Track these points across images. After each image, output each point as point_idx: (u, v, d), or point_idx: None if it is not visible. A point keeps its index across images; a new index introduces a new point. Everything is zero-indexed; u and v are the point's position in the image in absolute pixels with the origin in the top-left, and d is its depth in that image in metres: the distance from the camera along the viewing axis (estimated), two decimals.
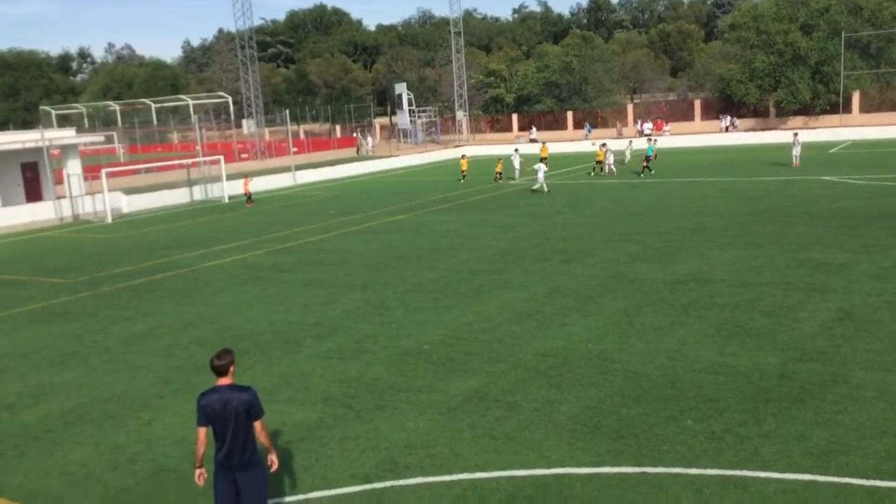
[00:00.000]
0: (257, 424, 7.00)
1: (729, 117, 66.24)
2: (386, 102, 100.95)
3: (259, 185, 46.31)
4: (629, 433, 9.61)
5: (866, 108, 63.15)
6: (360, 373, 12.49)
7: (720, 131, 63.69)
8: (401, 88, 75.50)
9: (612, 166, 41.63)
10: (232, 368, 7.03)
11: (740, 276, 17.00)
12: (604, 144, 43.57)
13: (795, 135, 39.68)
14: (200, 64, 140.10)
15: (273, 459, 7.26)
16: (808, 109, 63.64)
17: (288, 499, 8.59)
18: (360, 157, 59.16)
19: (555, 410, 10.45)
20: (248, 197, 39.06)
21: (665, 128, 67.30)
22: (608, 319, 14.48)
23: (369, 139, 70.55)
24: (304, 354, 13.66)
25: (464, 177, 43.25)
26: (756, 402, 10.22)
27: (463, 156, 45.80)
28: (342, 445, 9.83)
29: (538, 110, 78.20)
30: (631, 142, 50.26)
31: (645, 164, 40.04)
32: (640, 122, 68.01)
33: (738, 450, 8.96)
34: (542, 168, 35.72)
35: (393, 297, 17.33)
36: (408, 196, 37.38)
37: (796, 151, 38.55)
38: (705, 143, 59.33)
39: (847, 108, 62.67)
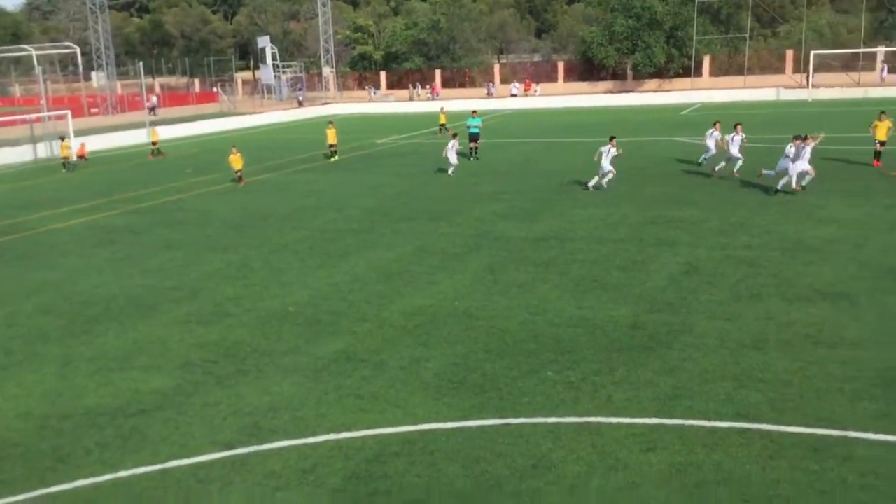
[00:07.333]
0: None
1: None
2: (248, 56, 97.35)
3: (110, 141, 43.73)
4: (493, 387, 9.85)
5: (716, 72, 66.78)
6: (222, 337, 12.13)
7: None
8: (264, 42, 72.92)
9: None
10: None
11: (598, 233, 17.68)
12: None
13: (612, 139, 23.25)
14: (45, 12, 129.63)
15: None
16: (662, 73, 66.57)
17: (145, 469, 8.27)
18: (154, 120, 54.22)
19: (421, 368, 10.56)
20: (66, 161, 34.89)
21: (535, 88, 68.60)
22: (474, 277, 14.72)
23: (154, 98, 66.24)
24: (161, 319, 13.11)
25: (443, 128, 40.87)
26: (610, 353, 10.72)
27: (442, 109, 42.47)
28: (202, 412, 9.54)
29: (407, 68, 77.75)
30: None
31: (472, 145, 31.32)
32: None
33: (593, 397, 9.39)
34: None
35: (257, 259, 16.88)
36: (272, 154, 36.36)
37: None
38: (568, 104, 61.02)
39: (698, 72, 66.01)
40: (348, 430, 8.89)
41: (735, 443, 8.18)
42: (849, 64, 61.62)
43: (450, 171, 27.34)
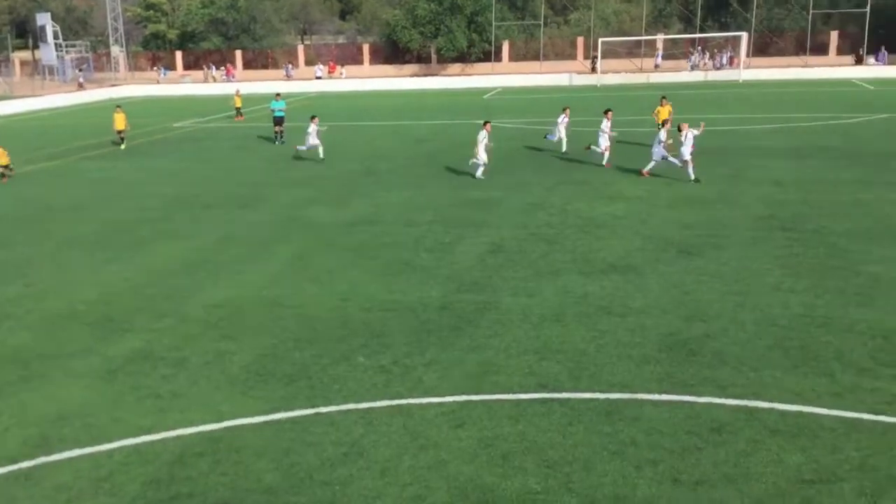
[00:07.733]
0: None
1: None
2: (27, 35, 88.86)
3: None
4: (303, 376, 9.67)
5: (514, 57, 69.56)
6: (1, 342, 11.01)
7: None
8: (44, 19, 66.94)
9: None
10: None
11: (407, 216, 17.85)
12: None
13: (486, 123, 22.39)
14: None
15: None
16: (465, 57, 68.39)
17: None
18: None
19: (226, 362, 10.15)
20: None
21: (341, 70, 67.96)
22: (282, 265, 14.36)
23: None
24: None
25: (238, 111, 40.51)
26: (420, 334, 10.86)
27: (237, 91, 42.35)
28: None
29: (204, 48, 74.37)
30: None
31: (277, 129, 30.59)
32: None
33: (405, 380, 9.47)
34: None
35: (39, 255, 15.47)
36: (55, 141, 33.48)
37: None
38: (374, 87, 61.11)
39: (498, 57, 68.42)
40: (147, 433, 8.37)
41: (537, 412, 8.56)
42: (633, 51, 66.35)
43: (321, 154, 25.90)
